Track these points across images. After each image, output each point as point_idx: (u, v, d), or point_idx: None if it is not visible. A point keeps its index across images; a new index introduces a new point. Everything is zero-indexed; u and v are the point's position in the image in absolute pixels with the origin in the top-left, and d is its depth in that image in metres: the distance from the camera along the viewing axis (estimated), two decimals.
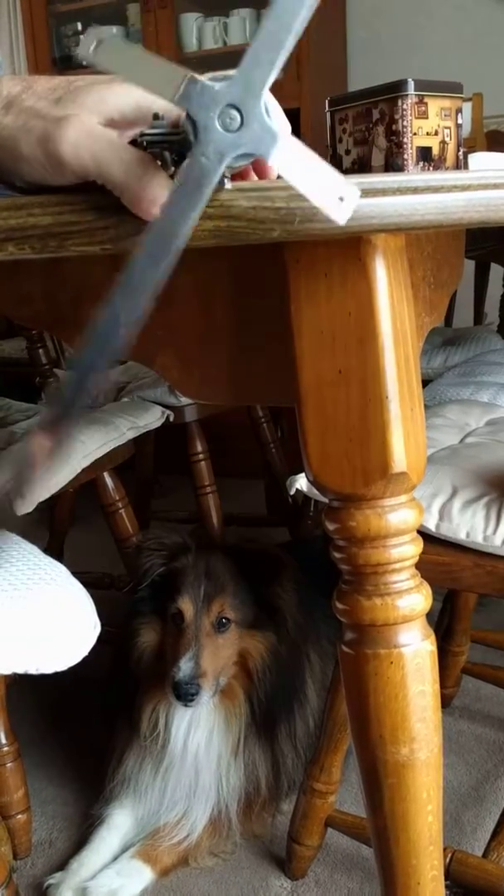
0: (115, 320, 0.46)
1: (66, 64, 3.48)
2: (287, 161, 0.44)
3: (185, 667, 1.21)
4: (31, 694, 1.71)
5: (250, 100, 0.43)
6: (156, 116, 0.50)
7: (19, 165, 0.51)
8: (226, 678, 1.28)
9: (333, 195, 0.45)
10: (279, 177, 0.54)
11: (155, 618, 1.31)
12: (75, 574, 0.90)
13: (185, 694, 1.19)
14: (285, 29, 0.42)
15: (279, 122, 0.46)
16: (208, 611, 1.26)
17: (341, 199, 0.45)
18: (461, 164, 0.93)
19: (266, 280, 0.60)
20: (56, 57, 3.47)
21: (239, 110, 0.43)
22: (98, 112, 0.50)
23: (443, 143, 0.89)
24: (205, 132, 0.43)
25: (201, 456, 2.08)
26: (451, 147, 0.90)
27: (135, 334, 0.47)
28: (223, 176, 0.49)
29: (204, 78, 0.44)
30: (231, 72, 0.44)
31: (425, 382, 1.75)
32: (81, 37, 0.42)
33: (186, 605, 1.26)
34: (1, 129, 0.51)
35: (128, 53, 0.43)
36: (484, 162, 1.06)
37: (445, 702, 1.63)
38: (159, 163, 0.49)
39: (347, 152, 0.96)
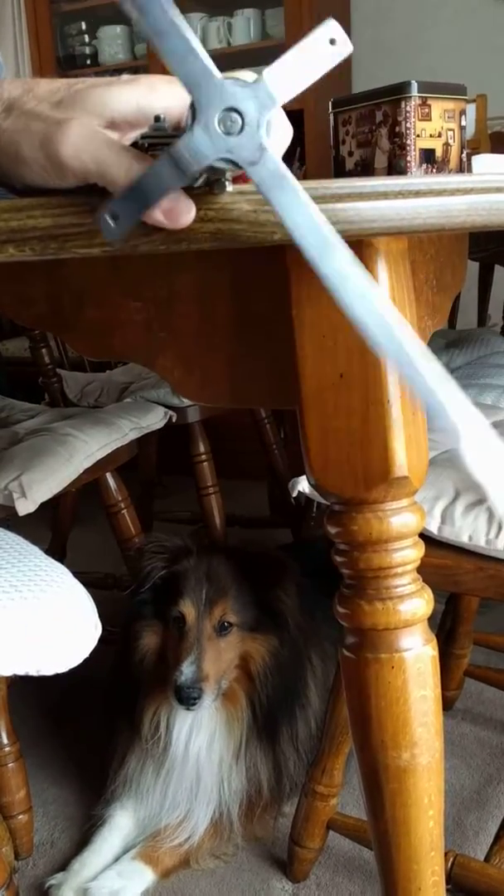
0: None
1: (69, 63, 3.48)
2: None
3: (187, 671, 1.21)
4: (33, 694, 1.71)
5: (257, 112, 0.43)
6: (157, 118, 0.50)
7: (20, 168, 0.51)
8: (227, 681, 1.27)
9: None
10: None
11: (156, 621, 1.31)
12: (77, 575, 0.90)
13: (187, 698, 1.19)
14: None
15: (276, 141, 0.45)
16: (210, 614, 1.25)
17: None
18: (465, 166, 0.92)
19: (267, 283, 0.59)
20: (60, 56, 3.48)
21: (242, 117, 0.43)
22: (99, 114, 0.49)
23: (446, 145, 0.89)
24: (202, 125, 0.43)
25: (204, 457, 2.08)
26: (454, 149, 0.90)
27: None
28: (224, 178, 0.49)
29: (220, 75, 0.43)
30: (246, 74, 0.44)
31: None
32: None
33: (188, 609, 1.26)
34: (1, 132, 0.51)
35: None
36: (488, 164, 1.05)
37: (448, 705, 1.63)
38: None
39: (350, 154, 0.95)
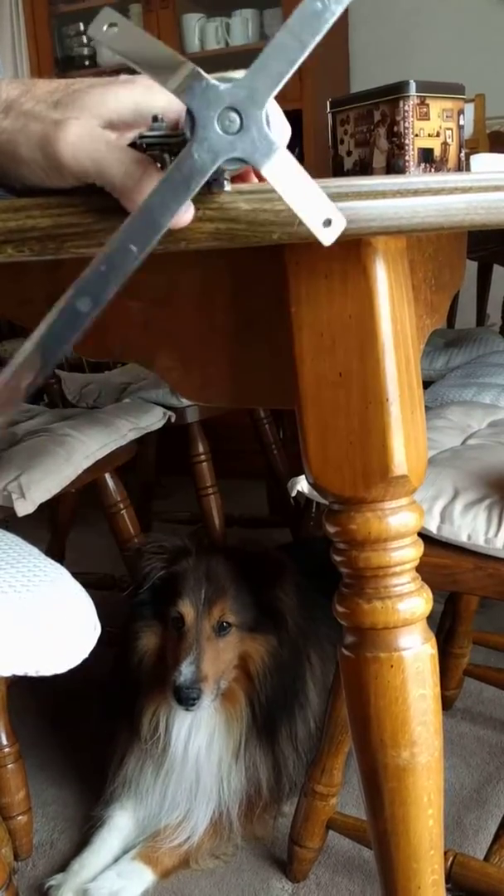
0: (79, 301, 0.45)
1: (68, 64, 3.48)
2: (278, 175, 0.44)
3: (186, 671, 1.21)
4: (33, 695, 1.71)
5: (253, 106, 0.43)
6: (155, 118, 0.50)
7: (19, 168, 0.51)
8: (227, 681, 1.27)
9: (320, 217, 0.45)
10: None
11: (155, 621, 1.31)
12: (76, 575, 0.90)
13: (187, 698, 1.19)
14: (298, 44, 0.42)
15: (278, 133, 0.45)
16: (209, 615, 1.25)
17: (328, 222, 0.45)
18: (463, 166, 0.92)
19: (266, 282, 0.59)
20: (58, 57, 3.48)
21: (240, 114, 0.43)
22: (97, 114, 0.49)
23: (444, 144, 0.89)
24: (202, 130, 0.43)
25: (203, 457, 2.08)
26: (452, 148, 0.90)
27: (95, 320, 0.46)
28: (223, 178, 0.49)
29: (210, 77, 0.43)
30: (238, 74, 0.44)
31: (427, 384, 1.75)
32: (99, 15, 0.42)
33: (187, 609, 1.26)
34: (0, 133, 0.51)
35: (138, 39, 0.42)
36: (486, 163, 1.05)
37: (447, 704, 1.63)
38: (158, 165, 0.48)
39: (349, 153, 0.95)
